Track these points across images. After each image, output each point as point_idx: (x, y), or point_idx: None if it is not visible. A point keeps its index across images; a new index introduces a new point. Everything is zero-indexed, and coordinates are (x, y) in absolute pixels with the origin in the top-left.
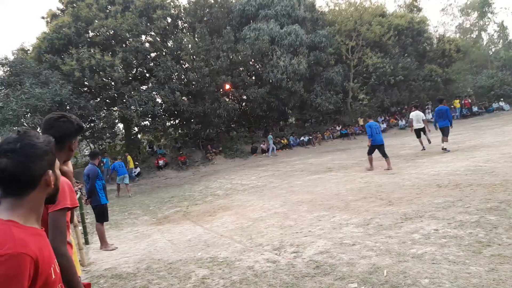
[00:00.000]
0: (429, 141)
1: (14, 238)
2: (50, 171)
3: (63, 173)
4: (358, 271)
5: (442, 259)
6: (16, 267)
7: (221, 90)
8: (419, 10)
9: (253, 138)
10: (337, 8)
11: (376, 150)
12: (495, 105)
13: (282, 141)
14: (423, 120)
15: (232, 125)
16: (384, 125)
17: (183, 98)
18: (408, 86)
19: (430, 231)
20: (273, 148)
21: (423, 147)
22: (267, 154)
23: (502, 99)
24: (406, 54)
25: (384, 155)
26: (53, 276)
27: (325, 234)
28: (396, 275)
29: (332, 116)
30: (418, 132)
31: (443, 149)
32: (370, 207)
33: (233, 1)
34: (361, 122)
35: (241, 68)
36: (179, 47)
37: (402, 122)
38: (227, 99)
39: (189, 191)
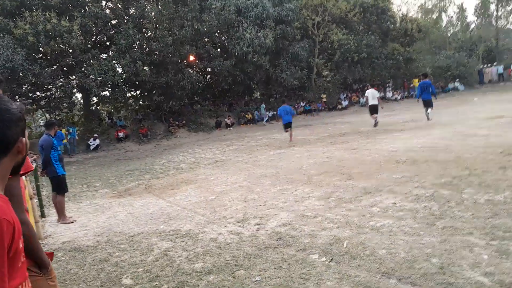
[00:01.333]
0: (376, 122)
1: None
2: (24, 138)
3: None
4: (319, 243)
5: (399, 231)
6: None
7: (185, 61)
8: None
9: (218, 112)
10: None
11: None
12: (451, 86)
13: (247, 115)
14: (377, 97)
15: (196, 98)
16: (346, 102)
17: (145, 68)
18: (371, 64)
19: (388, 205)
20: (267, 118)
21: (376, 122)
22: (263, 122)
23: (457, 79)
24: (370, 32)
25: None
26: (20, 245)
27: (288, 207)
28: (356, 246)
29: (297, 92)
30: (373, 109)
31: (428, 118)
32: (331, 181)
33: None
34: (324, 98)
35: (206, 39)
36: (142, 15)
37: (363, 100)
38: (191, 71)
39: (151, 164)
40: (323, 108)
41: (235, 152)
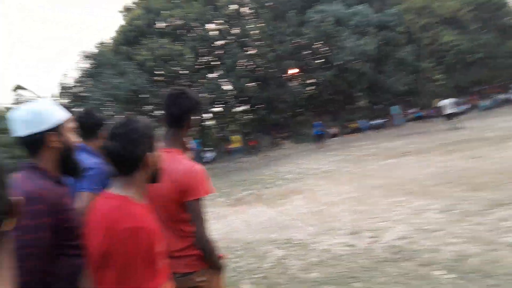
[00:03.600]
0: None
1: (132, 213)
2: (150, 153)
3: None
4: (443, 258)
5: None
6: (138, 239)
7: (287, 74)
8: None
9: (322, 122)
10: None
11: None
12: None
13: (352, 125)
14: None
15: (299, 110)
16: (464, 107)
17: (249, 84)
18: (488, 64)
19: None
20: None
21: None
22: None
23: None
24: (485, 30)
25: None
26: (160, 249)
27: (404, 220)
28: (488, 264)
29: (405, 98)
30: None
31: None
32: (451, 193)
33: None
34: (435, 103)
35: (306, 52)
36: (244, 34)
37: (484, 103)
38: (292, 84)
39: (260, 174)
40: (436, 114)
41: (341, 162)
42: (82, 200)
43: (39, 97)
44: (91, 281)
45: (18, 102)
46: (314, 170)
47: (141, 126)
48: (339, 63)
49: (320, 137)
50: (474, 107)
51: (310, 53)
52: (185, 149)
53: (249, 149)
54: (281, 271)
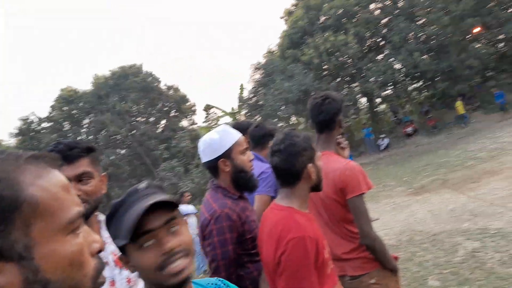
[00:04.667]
0: None
1: (297, 223)
2: (310, 165)
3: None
4: None
5: None
6: (304, 247)
7: (469, 36)
8: None
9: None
10: None
11: None
12: None
13: None
14: None
15: (489, 73)
16: None
17: (423, 57)
18: None
19: None
20: None
21: None
22: None
23: None
24: None
25: None
26: (326, 255)
27: None
28: None
29: None
30: None
31: None
32: None
33: None
34: None
35: (492, 3)
36: (411, 4)
37: None
38: (477, 45)
39: (445, 156)
40: None
41: None
42: (259, 202)
43: (225, 113)
44: (268, 285)
45: (208, 120)
46: None
47: (299, 140)
48: None
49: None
50: None
51: (498, 3)
52: (339, 149)
53: (430, 129)
54: (474, 265)
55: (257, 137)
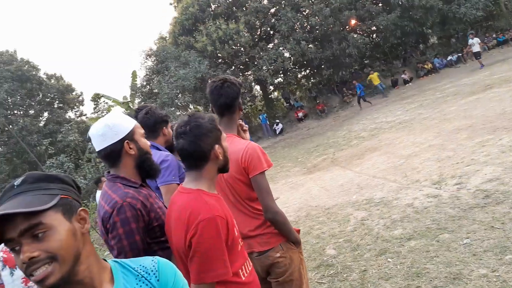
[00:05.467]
0: None
1: (207, 204)
2: (217, 145)
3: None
4: None
5: None
6: (215, 228)
7: (347, 27)
8: None
9: (392, 70)
10: None
11: None
12: None
13: (426, 66)
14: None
15: (366, 61)
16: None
17: (309, 46)
18: None
19: None
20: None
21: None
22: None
23: None
24: None
25: None
26: (236, 233)
27: (492, 160)
28: None
29: (483, 23)
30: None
31: None
32: None
33: None
34: None
35: None
36: None
37: None
38: (355, 35)
39: (333, 137)
40: None
41: (419, 109)
42: (167, 191)
43: (116, 102)
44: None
45: (98, 110)
46: (390, 123)
47: (204, 121)
48: (402, 2)
49: (362, 97)
50: None
51: None
52: (241, 132)
53: (318, 112)
54: (364, 232)
55: (149, 125)
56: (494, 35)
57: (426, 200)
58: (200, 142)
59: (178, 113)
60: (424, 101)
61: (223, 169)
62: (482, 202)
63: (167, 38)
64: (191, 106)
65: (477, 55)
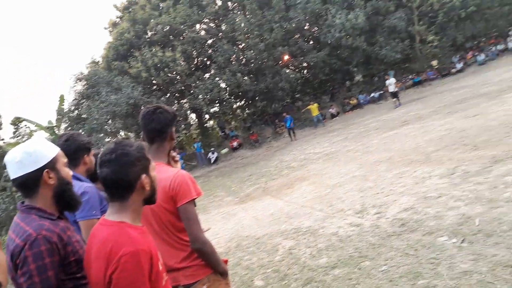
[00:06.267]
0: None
1: (130, 237)
2: (144, 175)
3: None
4: (447, 224)
5: None
6: (138, 263)
7: (280, 62)
8: None
9: (321, 104)
10: None
11: None
12: None
13: (351, 101)
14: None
15: (297, 95)
16: (461, 64)
17: (244, 78)
18: (483, 16)
19: None
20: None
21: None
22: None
23: None
24: None
25: None
26: (160, 267)
27: (408, 191)
28: (490, 223)
29: (401, 65)
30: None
31: None
32: (453, 156)
33: None
34: (435, 65)
35: (296, 36)
36: (233, 29)
37: (481, 57)
38: (287, 70)
39: (265, 167)
40: (435, 76)
41: (344, 142)
42: (86, 228)
43: (40, 126)
44: None
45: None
46: (318, 154)
47: (132, 149)
48: (330, 41)
49: (292, 130)
50: (471, 63)
51: (301, 36)
52: (171, 161)
53: (252, 142)
54: (291, 261)
55: (69, 152)
56: (410, 76)
57: (350, 229)
58: (126, 171)
59: (107, 139)
60: (349, 134)
61: (150, 200)
62: (399, 230)
63: (99, 63)
64: (121, 133)
65: (394, 94)
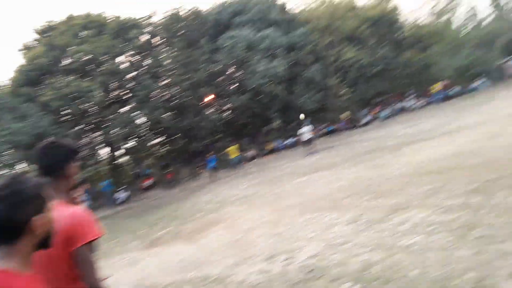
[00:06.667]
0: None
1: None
2: (37, 217)
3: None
4: (351, 270)
5: (431, 247)
6: None
7: (204, 101)
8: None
9: (241, 147)
10: (308, 8)
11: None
12: (474, 84)
13: (269, 145)
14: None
15: (218, 136)
16: (369, 118)
17: (165, 114)
18: (387, 75)
19: (419, 220)
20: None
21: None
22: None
23: (480, 76)
24: (382, 44)
25: None
26: None
27: (316, 237)
28: (388, 269)
29: (316, 115)
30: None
31: None
32: (359, 203)
33: (208, 10)
34: (346, 117)
35: (221, 78)
36: (157, 64)
37: (385, 113)
38: (210, 110)
39: (179, 209)
40: (346, 127)
41: (259, 185)
42: None
43: None
44: None
45: None
46: (234, 197)
47: (27, 186)
48: (252, 87)
49: (214, 170)
50: (376, 118)
51: (225, 79)
52: (70, 200)
53: (168, 182)
54: None
55: None
56: (324, 125)
57: (258, 276)
58: (16, 211)
59: (1, 172)
60: (265, 178)
61: (43, 244)
62: (305, 278)
63: (6, 86)
64: (20, 166)
65: (308, 142)
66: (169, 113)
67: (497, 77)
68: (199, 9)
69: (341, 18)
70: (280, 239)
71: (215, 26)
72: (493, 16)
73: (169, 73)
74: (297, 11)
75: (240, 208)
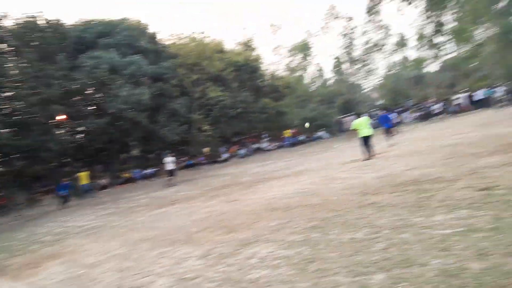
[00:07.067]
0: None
1: None
2: None
3: None
4: None
5: (275, 280)
6: None
7: (53, 121)
8: (253, 49)
9: (92, 173)
10: (179, 42)
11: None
12: (317, 134)
13: (125, 174)
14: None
15: (66, 160)
16: (227, 155)
17: (4, 130)
18: (246, 118)
19: (265, 255)
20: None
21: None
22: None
23: (323, 128)
24: (244, 88)
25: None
26: None
27: (166, 271)
28: None
29: (179, 147)
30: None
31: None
32: (212, 237)
33: (71, 26)
34: (206, 152)
35: (78, 98)
36: (1, 73)
37: (242, 151)
38: (60, 131)
39: (8, 240)
40: (205, 161)
41: (110, 216)
42: None
43: None
44: None
45: None
46: (79, 228)
47: None
48: (112, 111)
49: (65, 198)
50: (235, 155)
51: (82, 99)
52: None
53: None
54: None
55: None
56: (184, 158)
57: None
58: None
59: None
60: (117, 208)
61: None
62: None
63: None
64: None
65: (170, 173)
66: (8, 130)
67: (336, 129)
68: (60, 21)
69: (209, 58)
70: (127, 275)
71: (77, 43)
72: (335, 78)
73: (15, 85)
74: (167, 42)
75: (85, 241)
